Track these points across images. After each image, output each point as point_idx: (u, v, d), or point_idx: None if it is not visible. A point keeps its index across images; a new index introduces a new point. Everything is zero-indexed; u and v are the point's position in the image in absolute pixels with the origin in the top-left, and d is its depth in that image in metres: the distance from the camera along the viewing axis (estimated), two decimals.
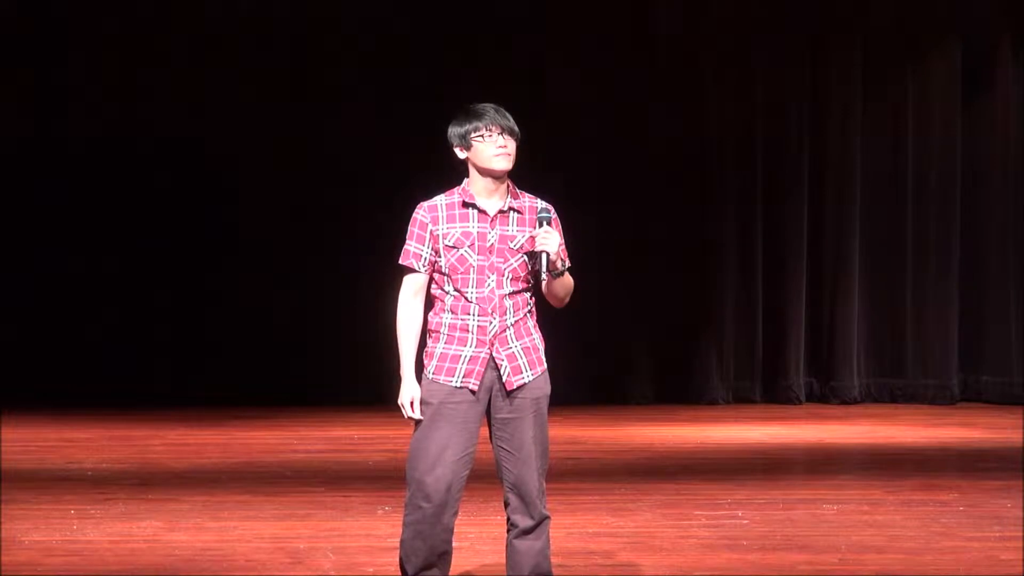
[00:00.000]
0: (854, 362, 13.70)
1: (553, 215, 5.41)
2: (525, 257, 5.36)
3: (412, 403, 5.36)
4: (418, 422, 5.35)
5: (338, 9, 13.44)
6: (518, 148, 5.34)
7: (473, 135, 5.30)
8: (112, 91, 13.41)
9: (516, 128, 5.34)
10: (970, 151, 13.78)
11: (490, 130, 5.29)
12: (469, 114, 5.33)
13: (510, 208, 5.36)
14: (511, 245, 5.35)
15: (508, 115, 5.35)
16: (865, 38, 13.76)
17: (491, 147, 5.30)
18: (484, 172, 5.34)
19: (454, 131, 5.35)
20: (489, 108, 5.34)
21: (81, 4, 13.47)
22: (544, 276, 5.30)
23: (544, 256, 5.27)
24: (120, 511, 8.13)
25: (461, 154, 5.36)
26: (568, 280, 5.37)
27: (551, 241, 5.26)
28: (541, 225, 5.30)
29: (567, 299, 5.41)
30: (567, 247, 5.45)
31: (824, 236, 13.74)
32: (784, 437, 11.55)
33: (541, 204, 5.40)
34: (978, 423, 12.31)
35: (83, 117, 13.48)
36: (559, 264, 5.30)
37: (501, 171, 5.32)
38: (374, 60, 13.43)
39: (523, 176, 5.42)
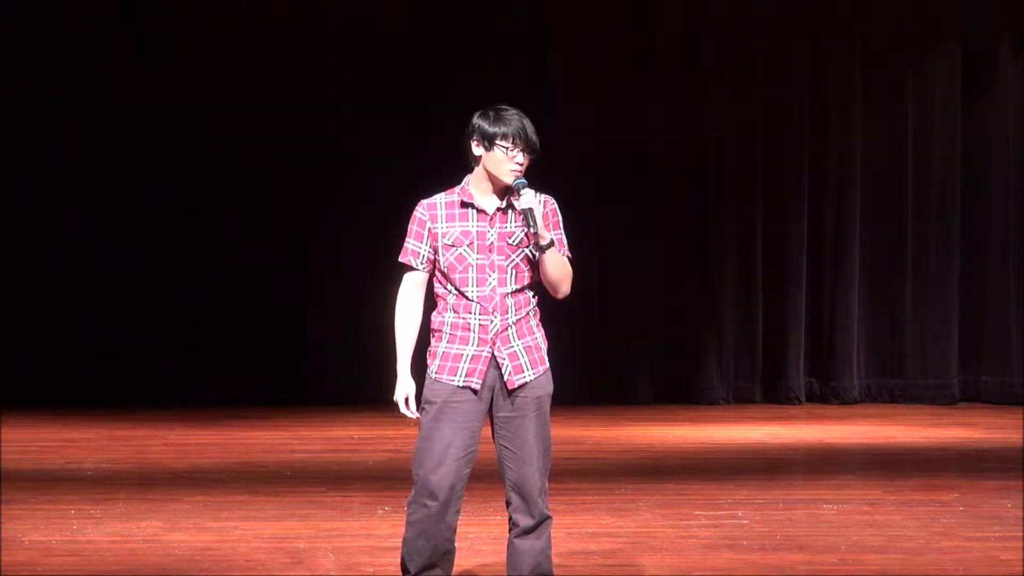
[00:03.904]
0: (854, 362, 13.70)
1: (552, 206, 5.41)
2: (527, 252, 5.36)
3: (407, 400, 5.37)
4: (421, 420, 5.36)
5: (338, 9, 13.44)
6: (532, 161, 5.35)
7: (498, 141, 5.29)
8: (112, 91, 13.40)
9: (538, 146, 5.33)
10: (970, 151, 13.79)
11: (515, 143, 5.28)
12: (499, 118, 5.30)
13: (508, 206, 5.37)
14: (510, 241, 5.35)
15: (533, 129, 5.32)
16: (865, 38, 13.76)
17: (509, 162, 5.29)
18: (491, 175, 5.34)
19: (480, 127, 5.31)
20: (519, 118, 5.30)
21: (81, 4, 13.47)
22: (533, 235, 5.25)
23: (530, 214, 5.24)
24: (120, 511, 8.13)
25: (477, 150, 5.35)
26: (561, 261, 5.34)
27: (529, 196, 5.25)
28: (518, 191, 5.29)
29: (564, 286, 5.36)
30: (568, 240, 5.44)
31: (824, 236, 13.75)
32: (784, 437, 11.55)
33: (541, 196, 5.40)
34: (978, 423, 12.31)
35: (83, 117, 13.47)
36: (543, 232, 5.26)
37: (504, 183, 5.32)
38: (374, 61, 13.42)
39: (527, 174, 5.41)
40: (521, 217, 5.30)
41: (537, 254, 5.31)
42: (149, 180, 13.45)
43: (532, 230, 5.25)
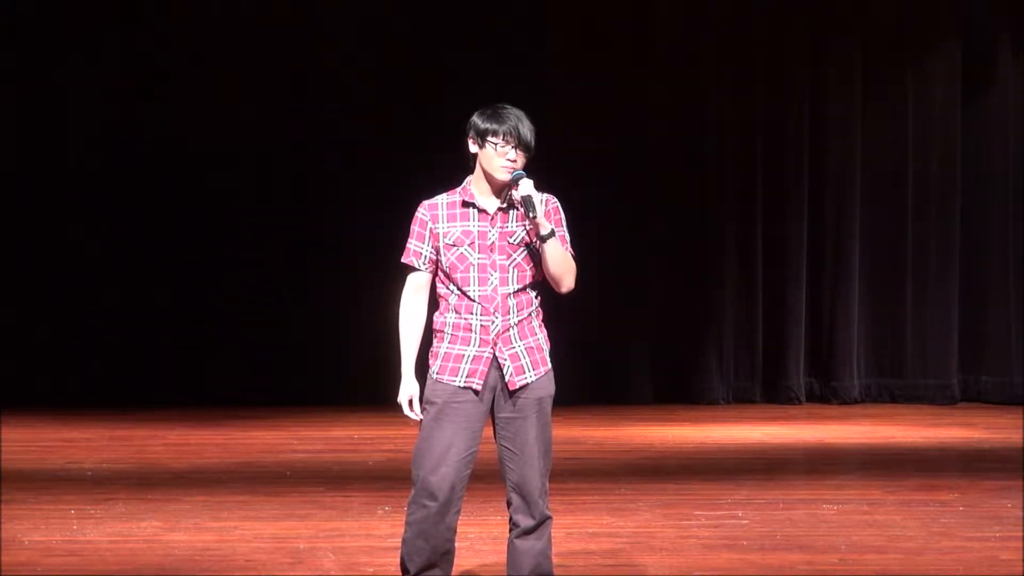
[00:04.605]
0: (854, 362, 13.70)
1: (555, 204, 5.41)
2: (528, 250, 5.35)
3: (411, 402, 5.37)
4: (422, 421, 5.36)
5: (338, 10, 13.44)
6: (528, 161, 5.35)
7: (489, 137, 5.30)
8: (112, 91, 13.40)
9: (532, 144, 5.33)
10: (970, 151, 13.78)
11: (506, 140, 5.29)
12: (495, 115, 5.32)
13: (510, 205, 5.37)
14: (511, 240, 5.35)
15: (530, 128, 5.33)
16: (865, 38, 13.76)
17: (500, 158, 5.30)
18: (487, 174, 5.35)
19: (475, 124, 5.35)
20: (514, 116, 5.32)
21: (81, 4, 13.46)
22: (532, 220, 5.24)
23: (529, 201, 5.23)
24: (120, 511, 8.14)
25: (473, 147, 5.37)
26: (563, 253, 5.33)
27: (527, 185, 5.25)
28: (516, 182, 5.28)
29: (567, 279, 5.35)
30: (569, 238, 5.44)
31: (824, 236, 13.74)
32: (784, 437, 11.55)
33: (543, 195, 5.39)
34: (978, 423, 12.31)
35: (84, 117, 13.46)
36: (542, 220, 5.26)
37: (501, 182, 5.33)
38: (374, 61, 13.43)
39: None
40: (521, 207, 5.30)
41: (539, 244, 5.30)
42: (149, 180, 13.44)
43: (531, 215, 5.25)
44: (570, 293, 5.44)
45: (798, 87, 13.73)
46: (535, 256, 5.36)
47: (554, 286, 5.39)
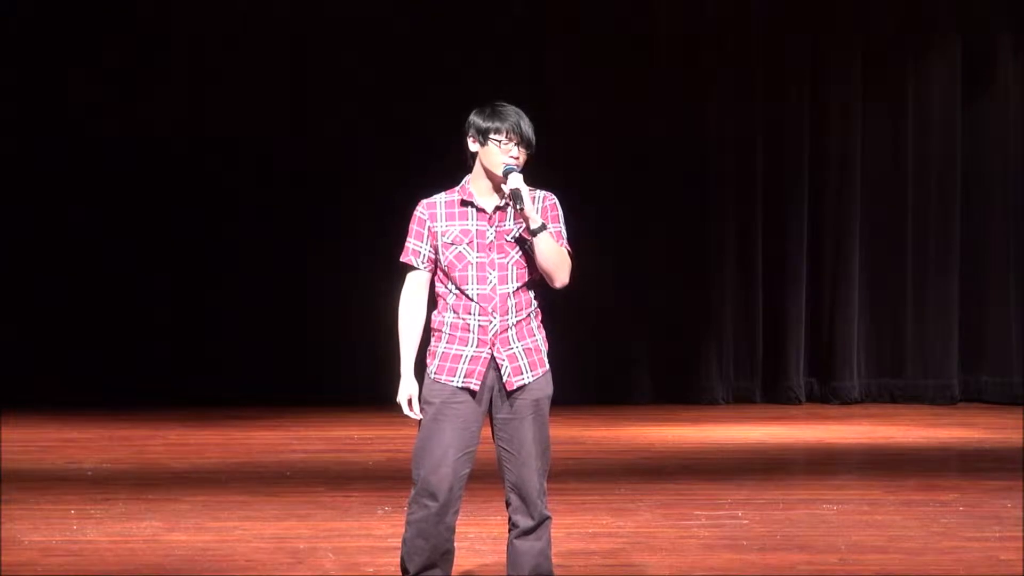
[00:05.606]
0: (854, 362, 13.70)
1: (552, 202, 5.41)
2: (523, 248, 5.34)
3: (410, 401, 5.37)
4: (421, 421, 5.36)
5: (338, 9, 13.44)
6: (529, 158, 5.35)
7: (492, 135, 5.30)
8: (112, 92, 13.39)
9: (534, 141, 5.34)
10: (970, 151, 13.78)
11: (509, 137, 5.30)
12: (495, 113, 5.32)
13: (507, 204, 5.37)
14: (508, 238, 5.35)
15: (530, 125, 5.34)
16: (865, 38, 13.76)
17: (502, 155, 5.30)
18: (488, 172, 5.35)
19: (475, 123, 5.34)
20: (514, 113, 5.32)
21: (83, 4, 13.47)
22: (520, 211, 5.24)
23: (518, 194, 5.23)
24: (120, 511, 8.13)
25: (473, 147, 5.36)
26: (555, 247, 5.31)
27: (517, 178, 5.25)
28: (506, 176, 5.28)
29: (559, 273, 5.32)
30: (568, 237, 5.44)
31: (824, 236, 13.75)
32: (784, 437, 11.55)
33: (541, 193, 5.39)
34: (978, 423, 12.31)
35: (84, 118, 13.45)
36: (532, 214, 5.25)
37: (502, 179, 5.33)
38: (374, 59, 13.43)
39: (524, 173, 5.41)
40: (510, 200, 5.29)
41: (529, 238, 5.30)
42: (149, 180, 13.44)
43: (519, 207, 5.25)
44: (568, 291, 5.44)
45: (798, 87, 13.73)
46: (531, 251, 5.36)
47: (547, 280, 5.38)
